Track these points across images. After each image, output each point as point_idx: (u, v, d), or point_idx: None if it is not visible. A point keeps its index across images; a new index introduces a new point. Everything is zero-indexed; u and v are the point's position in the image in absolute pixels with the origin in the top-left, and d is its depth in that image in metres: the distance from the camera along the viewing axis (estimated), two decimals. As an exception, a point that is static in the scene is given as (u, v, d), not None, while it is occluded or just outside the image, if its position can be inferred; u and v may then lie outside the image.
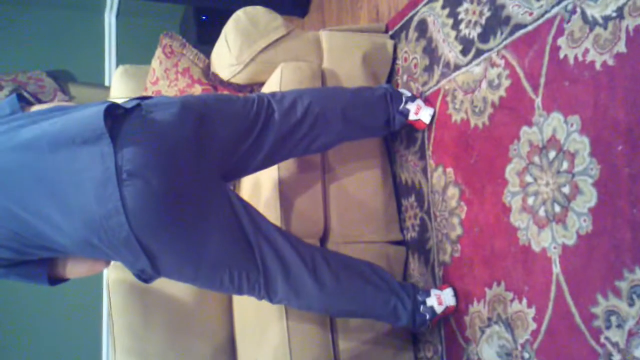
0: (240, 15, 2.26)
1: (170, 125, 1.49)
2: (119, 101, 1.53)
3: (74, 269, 1.66)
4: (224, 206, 1.63)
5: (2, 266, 1.56)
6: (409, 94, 2.07)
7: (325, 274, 1.75)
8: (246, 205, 1.70)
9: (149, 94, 2.50)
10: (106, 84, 3.84)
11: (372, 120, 2.02)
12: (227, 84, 2.35)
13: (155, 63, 2.55)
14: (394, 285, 1.86)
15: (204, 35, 3.70)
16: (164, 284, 2.20)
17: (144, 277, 1.59)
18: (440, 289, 1.92)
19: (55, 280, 1.66)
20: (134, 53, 3.32)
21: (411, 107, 2.05)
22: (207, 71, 2.47)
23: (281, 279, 1.70)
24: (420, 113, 2.06)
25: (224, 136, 1.65)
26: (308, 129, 1.83)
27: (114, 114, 1.46)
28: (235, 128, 1.69)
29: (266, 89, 2.23)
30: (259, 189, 2.12)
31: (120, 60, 3.81)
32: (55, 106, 1.59)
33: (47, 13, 3.84)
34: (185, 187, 1.51)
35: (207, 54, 2.50)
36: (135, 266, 1.52)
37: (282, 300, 1.75)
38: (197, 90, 2.42)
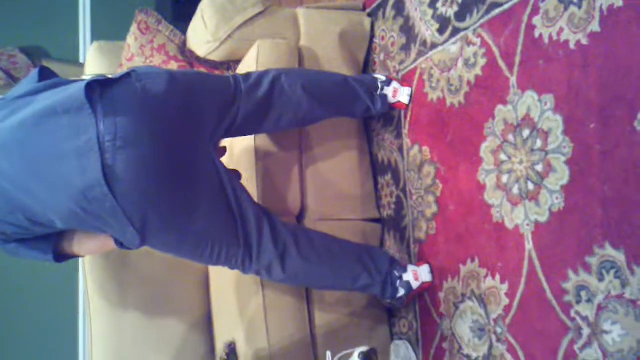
0: (216, -8, 2.24)
1: (162, 94, 1.51)
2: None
3: (83, 246, 1.67)
4: (212, 177, 1.66)
5: (10, 241, 1.58)
6: (384, 78, 2.08)
7: (293, 254, 1.79)
8: (232, 179, 1.72)
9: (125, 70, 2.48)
10: (81, 60, 3.79)
11: (339, 99, 2.03)
12: (204, 61, 2.34)
13: (130, 39, 2.53)
14: (364, 260, 1.89)
15: (180, 12, 3.67)
16: (141, 261, 2.20)
17: (127, 246, 1.59)
18: (417, 265, 1.95)
19: (64, 256, 1.67)
20: (109, 29, 3.29)
21: (388, 91, 2.07)
22: (183, 48, 2.45)
23: (256, 254, 1.75)
24: (397, 95, 2.07)
25: (209, 108, 1.68)
26: (273, 103, 1.85)
27: (104, 84, 1.45)
28: (216, 102, 1.71)
29: (243, 66, 2.22)
30: (236, 166, 2.11)
31: (94, 37, 3.76)
32: (58, 80, 1.58)
33: (20, -12, 3.78)
34: (176, 155, 1.52)
35: (183, 30, 2.48)
36: (124, 235, 1.52)
37: (255, 272, 1.80)
38: (174, 66, 2.41)
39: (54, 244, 1.62)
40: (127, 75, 1.50)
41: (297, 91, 1.88)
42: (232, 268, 1.77)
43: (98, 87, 1.44)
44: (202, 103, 1.65)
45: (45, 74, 1.61)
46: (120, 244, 1.60)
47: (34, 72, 1.60)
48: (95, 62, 2.65)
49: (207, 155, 1.68)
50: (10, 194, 1.43)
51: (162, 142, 1.48)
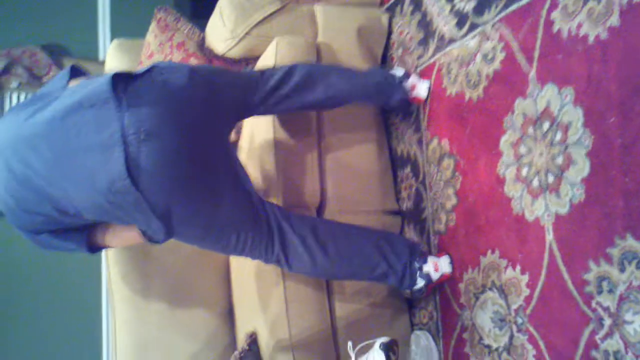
0: (235, -11, 2.27)
1: (183, 87, 1.54)
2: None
3: (115, 238, 1.72)
4: (230, 167, 1.70)
5: (41, 232, 1.63)
6: (402, 73, 2.10)
7: (311, 244, 1.82)
8: (242, 169, 1.78)
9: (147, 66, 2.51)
10: (100, 58, 3.82)
11: (363, 98, 2.08)
12: (222, 58, 2.36)
13: (149, 37, 2.56)
14: (383, 249, 1.91)
15: (199, 9, 3.68)
16: (163, 253, 2.24)
17: (156, 239, 1.63)
18: (437, 256, 1.97)
19: (97, 247, 1.72)
20: (129, 27, 3.30)
21: (406, 85, 2.09)
22: (202, 45, 2.48)
23: (279, 243, 1.78)
24: (416, 89, 2.10)
25: (229, 102, 1.73)
26: (293, 100, 1.90)
27: (128, 79, 1.49)
28: (236, 96, 1.77)
29: (261, 63, 2.24)
30: (256, 160, 2.14)
31: (114, 34, 3.79)
32: (87, 78, 1.64)
33: (41, -14, 3.81)
34: (198, 147, 1.56)
35: (202, 27, 2.50)
36: (149, 227, 1.56)
37: (276, 262, 1.83)
38: (192, 63, 2.44)
39: (87, 236, 1.67)
40: (150, 70, 1.53)
41: (320, 96, 1.94)
42: (254, 258, 1.81)
43: (122, 82, 1.47)
44: (222, 96, 1.70)
45: (76, 72, 1.65)
46: (149, 239, 1.63)
47: (66, 70, 1.64)
48: (115, 59, 2.67)
49: (225, 146, 1.73)
50: (39, 186, 1.48)
51: (185, 135, 1.51)
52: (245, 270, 2.18)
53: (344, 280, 2.09)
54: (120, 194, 1.45)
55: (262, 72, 1.87)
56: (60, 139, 1.45)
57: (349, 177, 2.21)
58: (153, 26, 2.54)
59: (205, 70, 1.71)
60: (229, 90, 1.75)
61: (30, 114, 1.52)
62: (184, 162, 1.52)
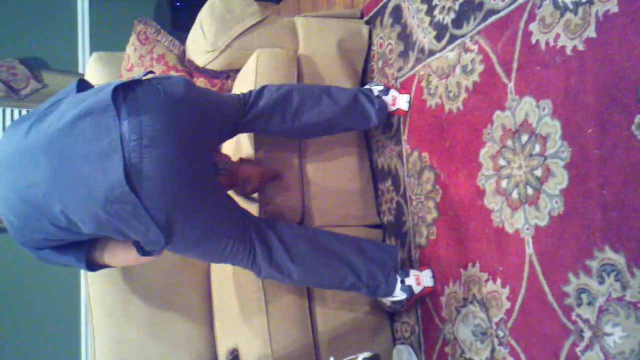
0: (215, 2, 2.26)
1: (182, 96, 1.54)
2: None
3: (114, 257, 1.71)
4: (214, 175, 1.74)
5: (43, 247, 1.62)
6: (381, 87, 2.10)
7: (286, 253, 1.82)
8: None
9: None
10: (80, 71, 3.81)
11: (344, 121, 2.07)
12: (203, 70, 2.35)
13: (129, 50, 2.54)
14: (353, 259, 1.89)
15: (179, 22, 3.70)
16: (143, 269, 2.21)
17: (151, 248, 1.61)
18: (420, 269, 1.96)
19: (96, 265, 1.71)
20: (108, 40, 3.30)
21: (387, 99, 2.08)
22: (182, 58, 2.47)
23: (258, 252, 1.79)
24: (397, 103, 2.09)
25: (222, 115, 1.76)
26: (281, 110, 1.92)
27: (127, 87, 1.48)
28: (229, 109, 1.80)
29: (242, 75, 2.24)
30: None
31: (94, 47, 3.78)
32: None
33: (19, -1, 3.80)
34: (196, 154, 1.56)
35: (182, 40, 2.49)
36: (146, 237, 1.54)
37: (257, 271, 1.83)
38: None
39: (87, 253, 1.65)
40: (148, 78, 1.54)
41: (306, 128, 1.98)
42: (235, 264, 1.81)
43: (121, 91, 1.46)
44: (217, 110, 1.72)
45: (82, 86, 1.64)
46: (142, 252, 1.61)
47: (73, 84, 1.63)
48: (94, 72, 2.66)
49: (213, 155, 1.75)
50: (39, 201, 1.47)
51: (184, 141, 1.51)
52: (226, 285, 2.16)
53: (316, 287, 2.07)
54: (117, 203, 1.43)
55: (254, 93, 1.90)
56: (58, 149, 1.44)
57: (330, 191, 2.20)
58: (133, 39, 2.53)
59: (202, 88, 1.74)
60: (224, 104, 1.78)
61: (29, 127, 1.51)
62: (185, 168, 1.51)
